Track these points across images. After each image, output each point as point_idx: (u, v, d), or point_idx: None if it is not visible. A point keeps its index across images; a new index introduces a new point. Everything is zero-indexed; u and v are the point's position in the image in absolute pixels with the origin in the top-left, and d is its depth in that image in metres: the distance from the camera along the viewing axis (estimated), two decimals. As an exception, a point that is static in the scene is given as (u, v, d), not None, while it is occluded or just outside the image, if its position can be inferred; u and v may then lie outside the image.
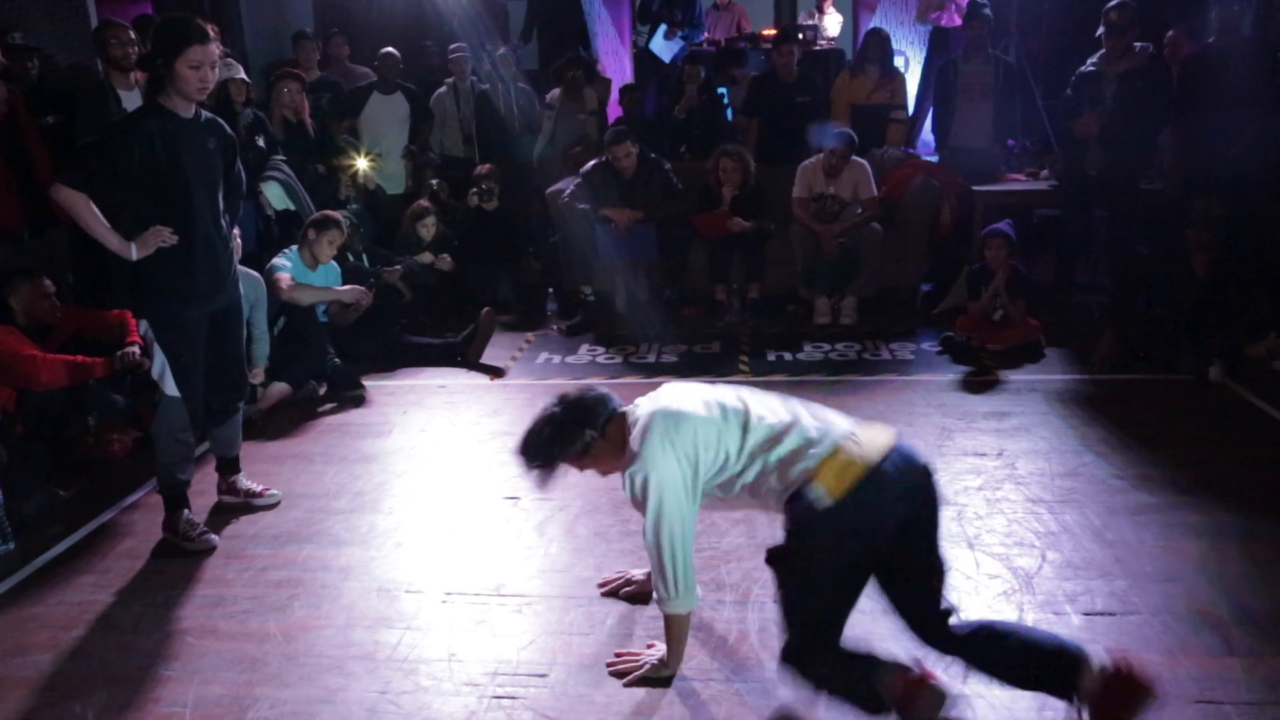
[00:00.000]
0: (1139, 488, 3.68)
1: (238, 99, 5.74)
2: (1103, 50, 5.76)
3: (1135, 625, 2.80)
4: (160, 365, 3.41)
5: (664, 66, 8.27)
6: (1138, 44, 5.71)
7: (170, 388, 3.41)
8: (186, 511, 3.56)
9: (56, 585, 3.29)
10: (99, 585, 3.28)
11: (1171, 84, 5.75)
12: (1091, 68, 5.82)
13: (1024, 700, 2.49)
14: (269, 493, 3.85)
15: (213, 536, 3.53)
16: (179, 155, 3.23)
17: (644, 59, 8.72)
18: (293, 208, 5.95)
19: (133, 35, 4.99)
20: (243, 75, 5.85)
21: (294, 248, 5.20)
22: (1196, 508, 3.50)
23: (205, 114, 3.36)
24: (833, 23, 9.11)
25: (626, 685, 2.62)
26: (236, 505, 3.81)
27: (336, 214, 5.36)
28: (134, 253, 3.25)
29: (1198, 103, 5.56)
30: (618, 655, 2.73)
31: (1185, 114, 5.67)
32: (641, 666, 2.65)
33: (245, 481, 3.87)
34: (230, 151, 3.46)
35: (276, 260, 5.13)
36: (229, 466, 3.84)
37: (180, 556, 3.45)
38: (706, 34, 9.09)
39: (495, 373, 5.37)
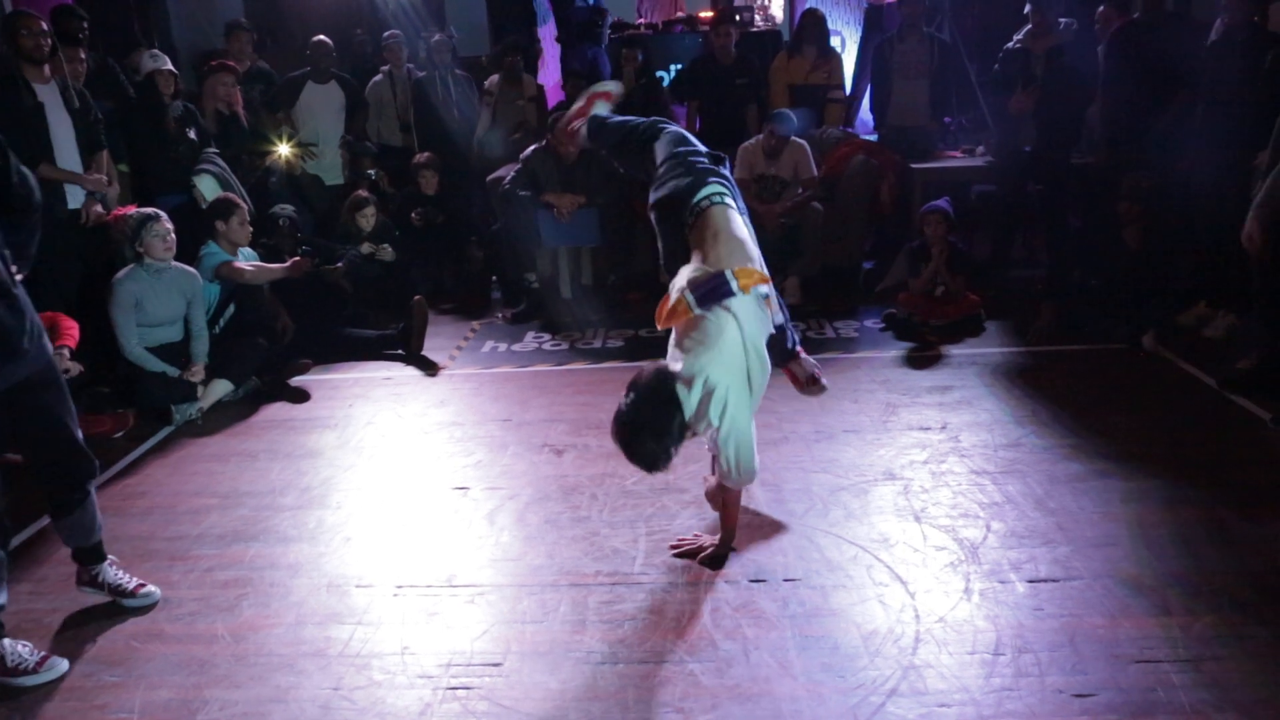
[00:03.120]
0: (1078, 456, 3.77)
1: (166, 91, 5.59)
2: (1029, 26, 5.86)
3: (1078, 590, 2.87)
4: None
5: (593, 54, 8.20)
6: (1062, 20, 5.82)
7: None
8: (7, 640, 2.74)
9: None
10: (36, 593, 3.19)
11: (1097, 60, 5.87)
12: (1018, 44, 5.91)
13: (972, 669, 2.54)
14: (143, 591, 3.07)
15: (59, 660, 2.77)
16: None
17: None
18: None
19: (44, 26, 4.82)
20: (170, 67, 5.69)
21: (210, 242, 5.10)
22: (1134, 473, 3.60)
23: None
24: (776, 4, 9.13)
25: (700, 562, 3.07)
26: (101, 603, 3.08)
27: (230, 195, 5.30)
28: None
29: (1125, 77, 5.68)
30: (679, 540, 3.20)
31: (1113, 88, 5.80)
32: (705, 549, 3.11)
33: (114, 573, 3.07)
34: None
35: (209, 253, 5.03)
36: (89, 556, 3.06)
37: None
38: (643, 17, 9.05)
39: (432, 368, 5.30)
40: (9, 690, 2.69)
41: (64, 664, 2.77)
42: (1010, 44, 5.97)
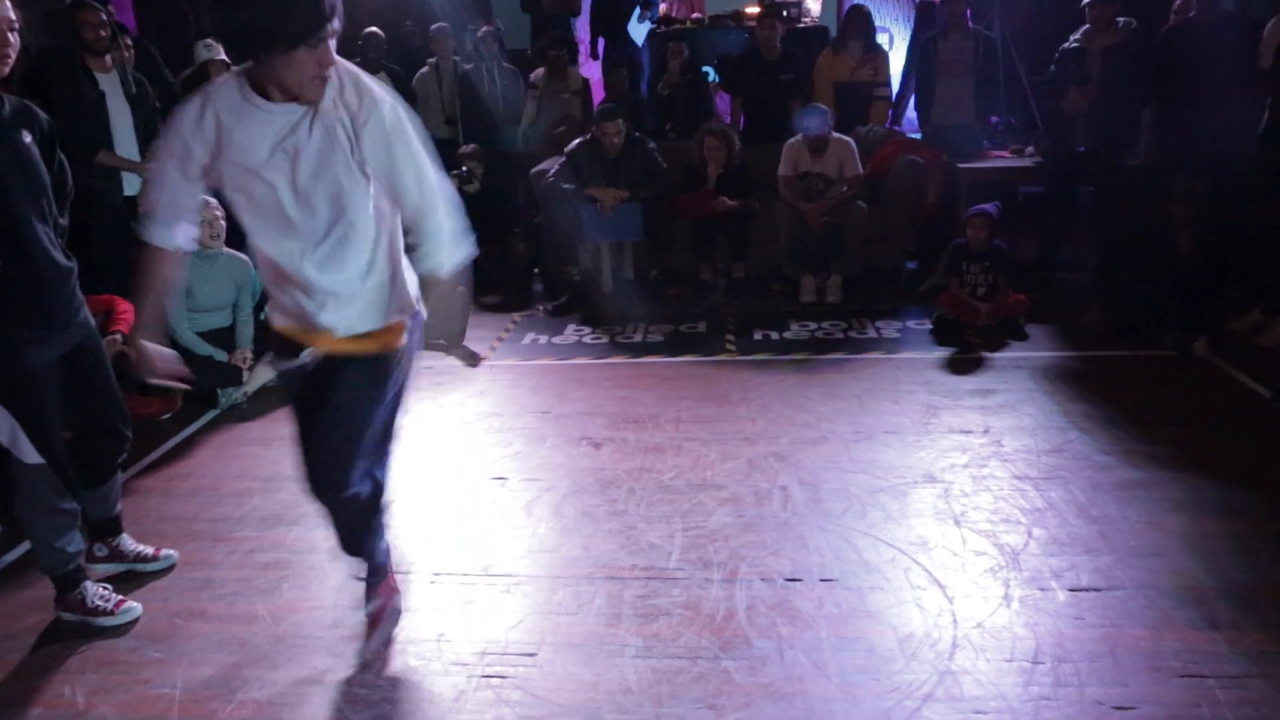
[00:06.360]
0: (1124, 463, 3.71)
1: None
2: (1086, 25, 5.77)
3: (1120, 600, 2.82)
4: (9, 431, 2.71)
5: (630, 49, 8.18)
6: (1120, 19, 5.71)
7: (29, 454, 2.73)
8: (88, 583, 2.95)
9: (42, 570, 3.28)
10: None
11: (1155, 59, 5.75)
12: (1075, 43, 5.82)
13: (1009, 676, 2.51)
14: (163, 554, 3.26)
15: (134, 604, 2.98)
16: None
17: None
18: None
19: (104, 17, 4.91)
20: (223, 57, 5.78)
21: None
22: (1181, 483, 3.53)
23: (10, 100, 2.66)
24: (814, 1, 9.07)
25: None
26: (116, 575, 3.19)
27: None
28: None
29: (1178, 78, 5.57)
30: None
31: (1166, 89, 5.68)
32: None
33: (131, 543, 3.24)
34: (50, 144, 2.77)
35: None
36: (107, 528, 3.19)
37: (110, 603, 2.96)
38: (665, 7, 9.03)
39: (472, 360, 5.33)
40: (88, 629, 2.89)
41: (138, 608, 2.97)
42: (1067, 44, 5.87)
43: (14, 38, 2.55)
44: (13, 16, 2.53)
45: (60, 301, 2.73)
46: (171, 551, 3.30)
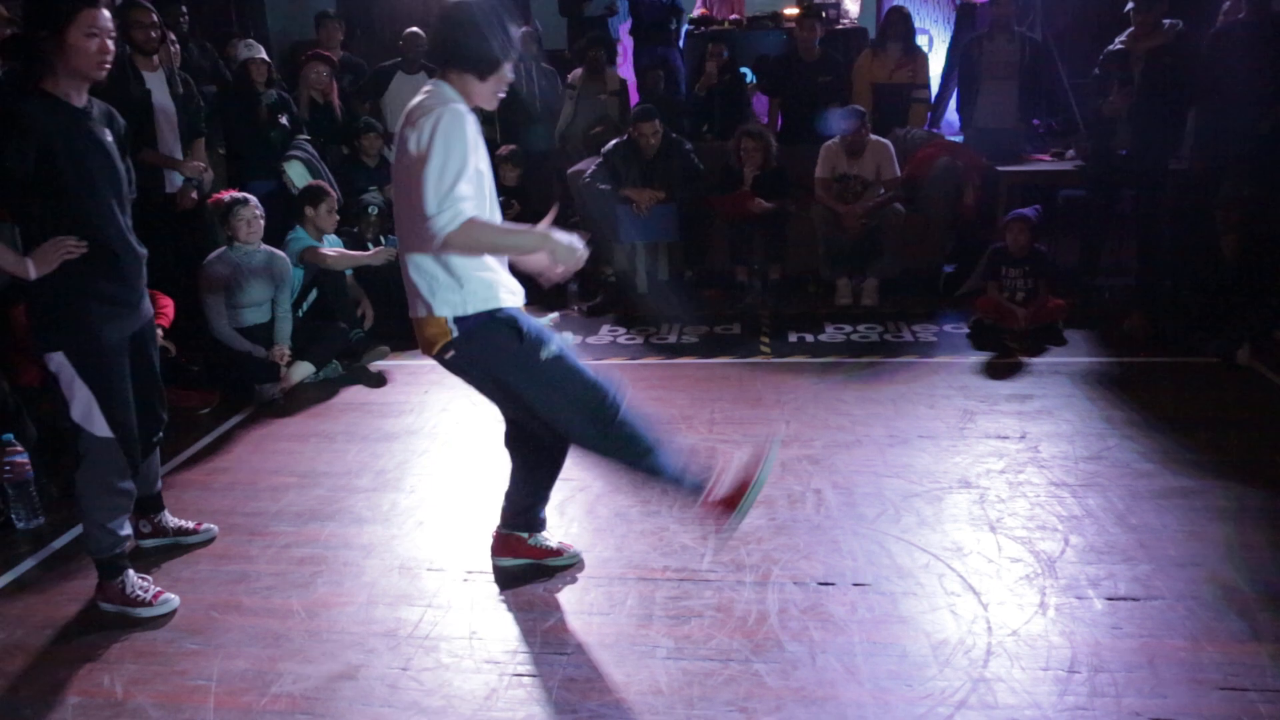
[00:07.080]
0: (1163, 471, 3.65)
1: (259, 79, 5.76)
2: (1131, 28, 5.68)
3: (1159, 610, 2.78)
4: (84, 404, 2.82)
5: (664, 51, 8.16)
6: (1166, 21, 5.62)
7: (100, 428, 2.84)
8: (130, 572, 3.02)
9: (85, 560, 3.30)
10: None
11: (1200, 61, 5.65)
12: (1120, 45, 5.73)
13: (1045, 685, 2.48)
14: (204, 527, 3.44)
15: (171, 595, 3.03)
16: (79, 153, 2.72)
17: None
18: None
19: (154, 18, 4.99)
20: (264, 56, 5.86)
21: (298, 227, 5.23)
22: (1222, 491, 3.47)
23: (96, 102, 2.85)
24: (853, 3, 8.99)
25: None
26: (162, 547, 3.37)
27: (323, 183, 5.41)
28: (31, 270, 2.72)
29: (1226, 80, 5.47)
30: None
31: (1213, 92, 5.59)
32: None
33: (173, 519, 3.42)
34: (126, 143, 2.97)
35: (295, 238, 5.16)
36: (150, 505, 3.36)
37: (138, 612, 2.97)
38: (702, 8, 9.00)
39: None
40: (127, 619, 2.94)
41: (176, 599, 3.02)
42: (1112, 46, 5.78)
43: (113, 45, 2.73)
44: (111, 26, 2.71)
45: (132, 283, 2.94)
46: (211, 525, 3.45)
